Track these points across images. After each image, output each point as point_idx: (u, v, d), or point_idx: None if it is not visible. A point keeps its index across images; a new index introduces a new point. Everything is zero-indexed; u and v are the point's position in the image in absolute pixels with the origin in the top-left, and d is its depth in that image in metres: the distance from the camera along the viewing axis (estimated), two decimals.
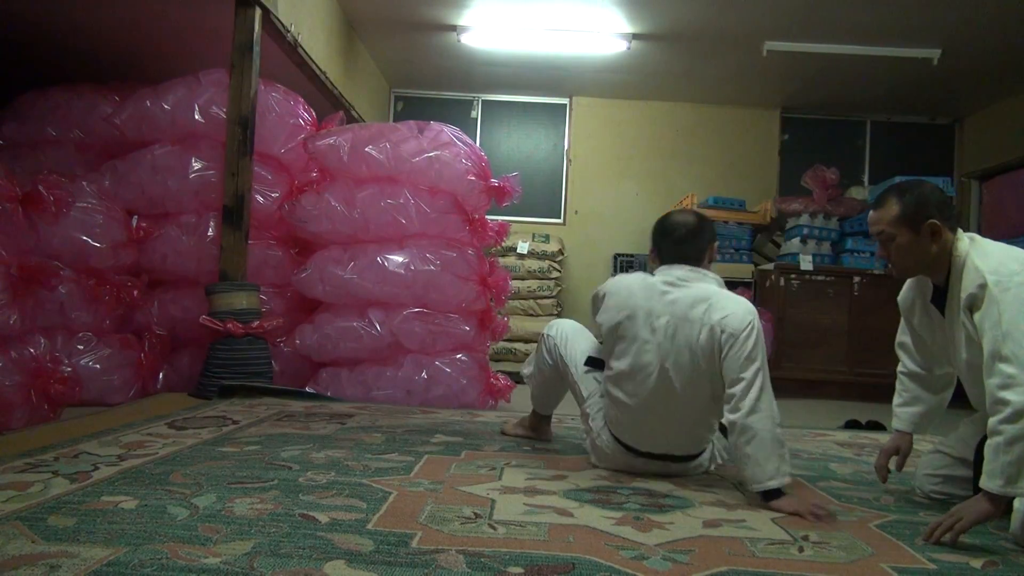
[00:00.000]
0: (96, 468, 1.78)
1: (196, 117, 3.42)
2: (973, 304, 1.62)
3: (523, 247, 5.86)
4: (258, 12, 3.40)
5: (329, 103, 4.80)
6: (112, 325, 3.20)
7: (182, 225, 3.45)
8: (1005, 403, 1.49)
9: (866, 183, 6.35)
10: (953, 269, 1.72)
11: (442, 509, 1.57)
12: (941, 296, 1.79)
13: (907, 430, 2.00)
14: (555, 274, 5.93)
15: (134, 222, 3.37)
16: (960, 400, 1.92)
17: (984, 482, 1.51)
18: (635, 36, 5.13)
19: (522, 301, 5.81)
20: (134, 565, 1.16)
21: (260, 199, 3.50)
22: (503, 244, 4.57)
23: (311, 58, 4.22)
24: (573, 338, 2.27)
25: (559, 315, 5.80)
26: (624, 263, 6.42)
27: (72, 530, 1.31)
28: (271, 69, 3.71)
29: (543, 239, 6.00)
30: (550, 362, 2.31)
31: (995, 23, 4.51)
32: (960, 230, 1.75)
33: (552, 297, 5.93)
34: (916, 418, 2.00)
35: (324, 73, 4.48)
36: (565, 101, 6.67)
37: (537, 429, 2.53)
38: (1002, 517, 1.53)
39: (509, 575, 1.21)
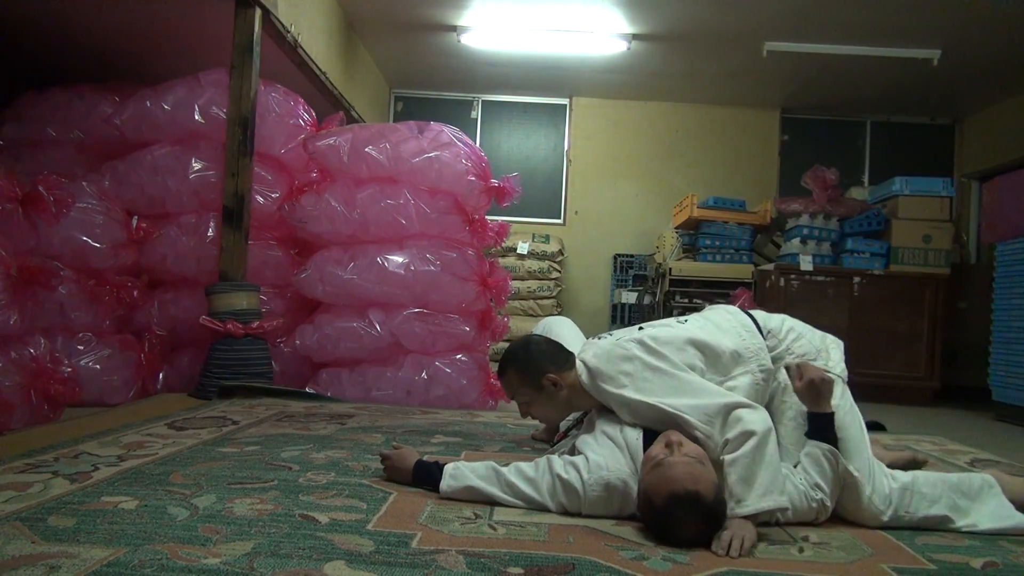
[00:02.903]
0: (96, 468, 1.78)
1: (196, 118, 3.43)
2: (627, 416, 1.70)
3: (523, 247, 5.87)
4: (258, 13, 3.40)
5: (329, 103, 4.80)
6: (112, 325, 3.20)
7: (182, 225, 3.45)
8: (750, 433, 1.51)
9: (866, 183, 6.34)
10: (591, 394, 1.78)
11: (442, 509, 1.57)
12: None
13: None
14: (555, 274, 5.93)
15: (134, 222, 3.37)
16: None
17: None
18: (635, 36, 5.13)
19: (522, 301, 5.82)
20: (134, 565, 1.16)
21: (260, 199, 3.50)
22: (503, 244, 4.56)
23: (311, 58, 4.22)
24: (556, 330, 2.30)
25: (559, 315, 5.80)
26: (624, 263, 6.42)
27: (72, 530, 1.31)
28: (271, 69, 3.71)
29: (543, 239, 6.00)
30: None
31: (995, 23, 4.51)
32: (576, 359, 1.83)
33: (552, 297, 5.93)
34: None
35: (324, 73, 4.48)
36: (565, 101, 6.67)
37: (556, 432, 2.48)
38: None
39: (509, 575, 1.21)
